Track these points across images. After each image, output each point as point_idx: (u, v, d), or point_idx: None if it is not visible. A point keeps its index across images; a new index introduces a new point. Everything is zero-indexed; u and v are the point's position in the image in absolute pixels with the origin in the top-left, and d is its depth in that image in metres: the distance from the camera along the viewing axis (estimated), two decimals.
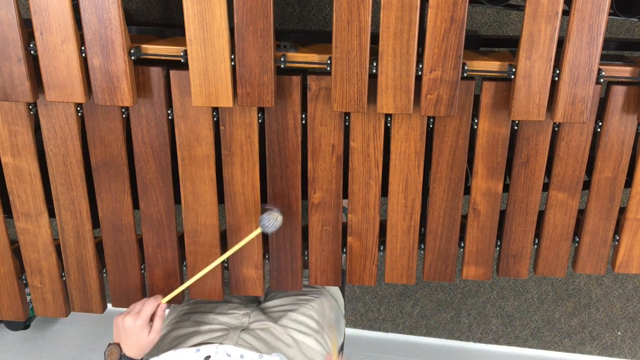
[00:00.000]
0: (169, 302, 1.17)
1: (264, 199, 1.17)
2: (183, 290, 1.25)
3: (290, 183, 1.16)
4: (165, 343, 1.20)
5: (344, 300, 1.51)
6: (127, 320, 1.08)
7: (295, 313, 1.28)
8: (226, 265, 1.24)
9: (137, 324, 1.08)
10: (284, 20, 1.90)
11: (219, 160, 1.14)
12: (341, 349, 1.39)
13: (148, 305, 1.10)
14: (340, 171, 1.14)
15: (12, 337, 2.31)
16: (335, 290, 1.47)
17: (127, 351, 1.08)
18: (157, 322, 1.11)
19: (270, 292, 1.43)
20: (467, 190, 1.17)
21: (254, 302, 1.37)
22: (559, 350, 2.33)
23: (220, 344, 1.13)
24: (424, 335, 2.34)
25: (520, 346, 2.34)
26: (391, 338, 2.33)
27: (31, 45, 1.01)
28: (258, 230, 1.14)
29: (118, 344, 1.09)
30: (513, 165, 1.13)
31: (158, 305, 1.12)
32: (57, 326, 2.39)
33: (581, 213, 1.20)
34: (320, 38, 1.14)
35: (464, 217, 1.20)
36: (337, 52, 0.99)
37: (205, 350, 1.08)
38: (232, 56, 1.01)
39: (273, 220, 1.12)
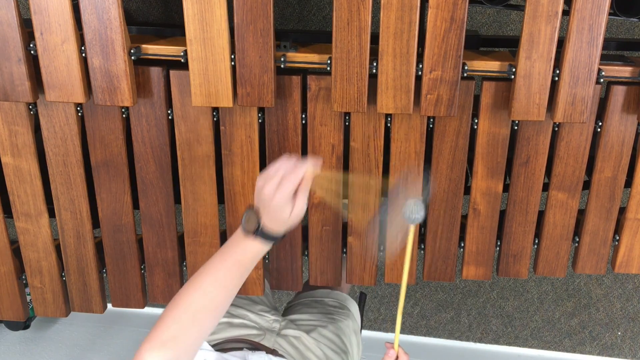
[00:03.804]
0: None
1: None
2: None
3: None
4: None
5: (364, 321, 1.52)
6: (266, 191, 0.87)
7: (326, 330, 1.28)
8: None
9: (274, 202, 0.87)
10: (284, 20, 1.90)
11: (219, 160, 1.14)
12: None
13: (290, 181, 0.87)
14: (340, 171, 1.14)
15: (12, 337, 2.31)
16: (357, 314, 1.47)
17: (267, 222, 0.89)
18: (300, 202, 0.88)
19: (294, 305, 1.43)
20: (467, 190, 1.17)
21: (275, 310, 1.37)
22: (559, 350, 2.33)
23: (266, 351, 1.12)
24: (424, 335, 2.34)
25: (520, 346, 2.34)
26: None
27: (31, 45, 1.01)
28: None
29: (257, 212, 0.90)
30: (513, 165, 1.13)
31: (302, 180, 0.88)
32: (57, 326, 2.39)
33: (581, 213, 1.20)
34: (320, 38, 1.14)
35: (464, 217, 1.20)
36: (337, 52, 0.99)
37: None
38: (232, 56, 1.01)
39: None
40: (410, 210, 0.93)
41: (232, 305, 1.27)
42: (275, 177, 0.87)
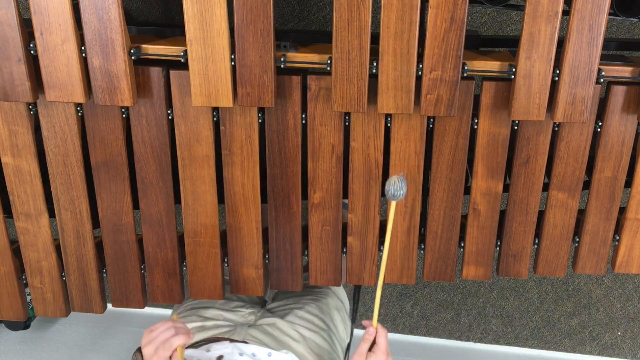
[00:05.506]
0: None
1: (264, 199, 1.17)
2: (182, 290, 1.24)
3: (290, 183, 1.16)
4: None
5: (359, 305, 1.51)
6: (146, 351, 0.97)
7: (301, 311, 1.28)
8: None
9: None
10: (284, 20, 1.90)
11: (219, 160, 1.14)
12: (347, 349, 1.39)
13: (164, 349, 0.96)
14: (340, 171, 1.14)
15: (12, 337, 2.31)
16: (341, 292, 1.47)
17: None
18: None
19: (276, 297, 1.43)
20: (467, 190, 1.17)
21: (258, 304, 1.37)
22: (559, 350, 2.33)
23: (230, 340, 1.12)
24: (424, 335, 2.34)
25: (520, 346, 2.34)
26: (391, 338, 2.31)
27: (31, 45, 1.01)
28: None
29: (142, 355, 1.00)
30: (513, 165, 1.13)
31: (175, 350, 0.97)
32: (57, 326, 2.39)
33: (581, 213, 1.20)
34: (320, 38, 1.14)
35: (464, 217, 1.20)
36: (337, 52, 0.99)
37: (217, 349, 1.06)
38: (232, 56, 1.01)
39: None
40: (393, 186, 1.01)
41: (204, 307, 1.27)
42: (159, 337, 0.96)
